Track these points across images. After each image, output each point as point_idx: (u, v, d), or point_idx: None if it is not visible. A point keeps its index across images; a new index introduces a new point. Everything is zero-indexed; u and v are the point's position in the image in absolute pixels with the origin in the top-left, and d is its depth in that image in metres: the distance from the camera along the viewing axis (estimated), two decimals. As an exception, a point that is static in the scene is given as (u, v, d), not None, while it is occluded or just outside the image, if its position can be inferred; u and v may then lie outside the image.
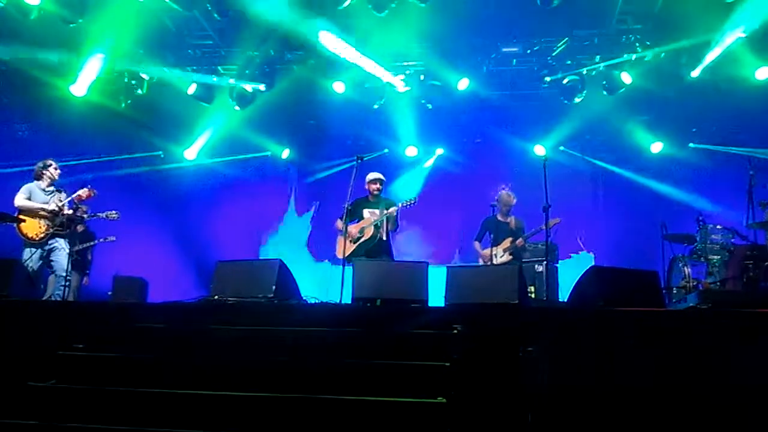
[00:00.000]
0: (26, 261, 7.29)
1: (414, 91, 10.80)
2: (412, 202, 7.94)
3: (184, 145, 11.97)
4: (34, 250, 7.43)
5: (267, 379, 4.46)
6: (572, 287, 5.85)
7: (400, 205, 7.89)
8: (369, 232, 7.87)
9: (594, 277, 5.53)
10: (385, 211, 7.86)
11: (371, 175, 8.21)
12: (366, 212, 8.03)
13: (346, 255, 7.61)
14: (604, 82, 10.17)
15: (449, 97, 10.86)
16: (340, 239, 7.77)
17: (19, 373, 4.64)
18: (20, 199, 7.53)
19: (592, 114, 10.89)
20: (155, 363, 4.72)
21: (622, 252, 10.51)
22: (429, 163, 12.40)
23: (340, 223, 7.79)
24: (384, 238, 7.93)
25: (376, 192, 8.11)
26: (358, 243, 7.86)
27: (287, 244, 11.83)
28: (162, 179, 12.34)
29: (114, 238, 9.70)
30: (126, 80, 10.75)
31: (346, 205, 7.38)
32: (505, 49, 10.22)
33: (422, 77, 10.65)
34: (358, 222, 7.96)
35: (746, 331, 4.57)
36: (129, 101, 10.97)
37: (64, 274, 7.38)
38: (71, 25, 9.09)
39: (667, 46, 9.53)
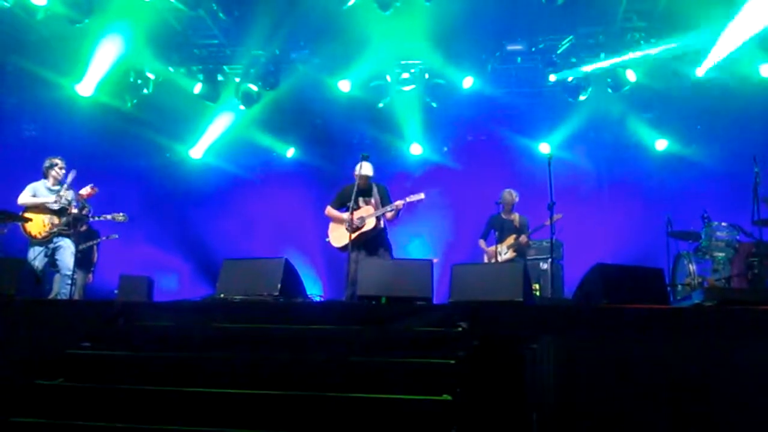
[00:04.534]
0: (32, 260, 7.33)
1: (419, 89, 10.80)
2: (421, 198, 7.61)
3: (190, 144, 12.02)
4: (39, 249, 7.48)
5: (272, 377, 4.48)
6: (577, 284, 5.87)
7: (407, 199, 7.59)
8: (372, 223, 7.56)
9: (598, 274, 5.52)
10: (391, 205, 7.57)
11: (359, 169, 7.71)
12: (360, 201, 7.69)
13: (344, 243, 7.43)
14: (609, 80, 10.16)
15: (454, 96, 10.87)
16: (332, 225, 7.69)
17: (26, 372, 4.67)
18: (24, 197, 7.56)
19: (597, 112, 10.90)
20: (162, 361, 4.75)
21: (627, 249, 10.48)
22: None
23: (331, 210, 7.72)
24: (381, 227, 7.68)
25: (363, 184, 7.72)
26: (357, 233, 7.52)
27: (292, 242, 11.83)
28: (167, 178, 12.38)
29: (116, 236, 9.72)
30: (132, 80, 10.79)
31: (350, 206, 7.24)
32: (509, 47, 10.23)
33: (427, 76, 10.67)
34: (346, 210, 7.55)
35: (752, 328, 4.57)
36: (135, 101, 11.04)
37: (70, 273, 7.42)
38: (78, 25, 9.13)
39: (672, 44, 9.51)
